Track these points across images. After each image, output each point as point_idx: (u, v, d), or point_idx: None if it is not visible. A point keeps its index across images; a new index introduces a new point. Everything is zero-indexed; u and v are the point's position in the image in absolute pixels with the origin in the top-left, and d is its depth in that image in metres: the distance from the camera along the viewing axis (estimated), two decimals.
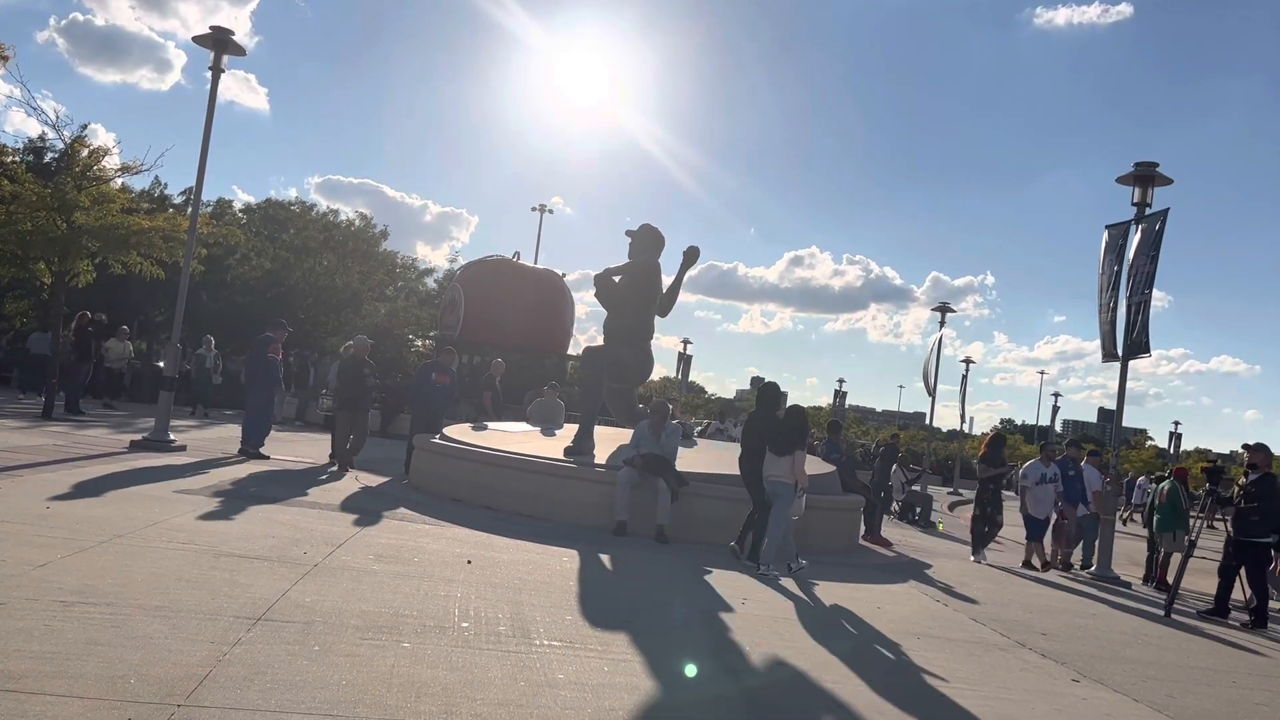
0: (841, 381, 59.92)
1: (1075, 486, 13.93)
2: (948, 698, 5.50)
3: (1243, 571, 10.48)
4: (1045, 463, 13.87)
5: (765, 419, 10.12)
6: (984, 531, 13.64)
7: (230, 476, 11.24)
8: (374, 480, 12.68)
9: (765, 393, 10.63)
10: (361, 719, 3.89)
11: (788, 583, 8.84)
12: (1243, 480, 10.66)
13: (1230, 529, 10.56)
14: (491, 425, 14.77)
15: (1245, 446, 11.20)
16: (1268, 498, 10.13)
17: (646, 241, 12.90)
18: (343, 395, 14.06)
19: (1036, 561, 13.45)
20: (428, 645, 5.04)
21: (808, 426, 10.38)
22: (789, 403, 13.89)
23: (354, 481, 12.32)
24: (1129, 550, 16.90)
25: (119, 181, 18.99)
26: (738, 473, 11.90)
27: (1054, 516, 13.83)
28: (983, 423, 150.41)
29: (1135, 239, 14.02)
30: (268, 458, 13.64)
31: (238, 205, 42.74)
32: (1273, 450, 10.94)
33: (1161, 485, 13.61)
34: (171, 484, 9.99)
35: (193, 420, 19.87)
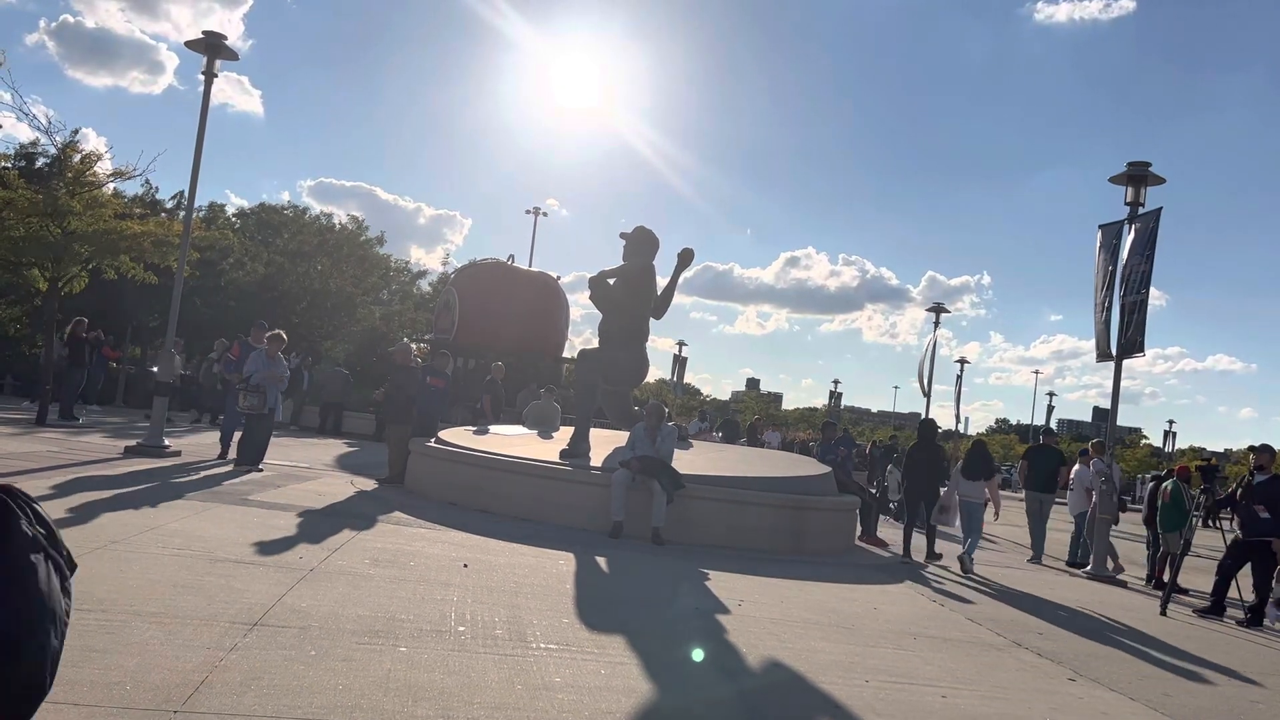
0: (837, 382, 60.22)
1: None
2: (945, 698, 5.51)
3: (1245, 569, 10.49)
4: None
5: (928, 447, 13.00)
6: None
7: (225, 481, 11.21)
8: (369, 484, 12.67)
9: (926, 427, 13.68)
10: None
11: (786, 584, 8.85)
12: (1247, 480, 10.65)
13: (1236, 529, 10.57)
14: (491, 428, 14.76)
15: (1251, 448, 11.18)
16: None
17: (641, 244, 12.90)
18: (388, 407, 13.87)
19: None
20: (424, 649, 5.04)
21: (992, 456, 13.18)
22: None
23: (349, 486, 12.30)
24: (1126, 550, 16.93)
25: (111, 187, 18.96)
26: (733, 474, 11.92)
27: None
28: (978, 422, 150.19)
29: (1129, 239, 14.06)
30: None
31: (231, 210, 42.69)
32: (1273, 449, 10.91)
33: (1165, 485, 13.63)
34: (167, 489, 9.96)
35: (192, 426, 19.81)
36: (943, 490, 12.89)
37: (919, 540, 12.65)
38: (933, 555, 12.39)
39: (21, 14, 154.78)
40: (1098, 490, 13.98)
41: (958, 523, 12.85)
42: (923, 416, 24.20)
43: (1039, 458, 15.18)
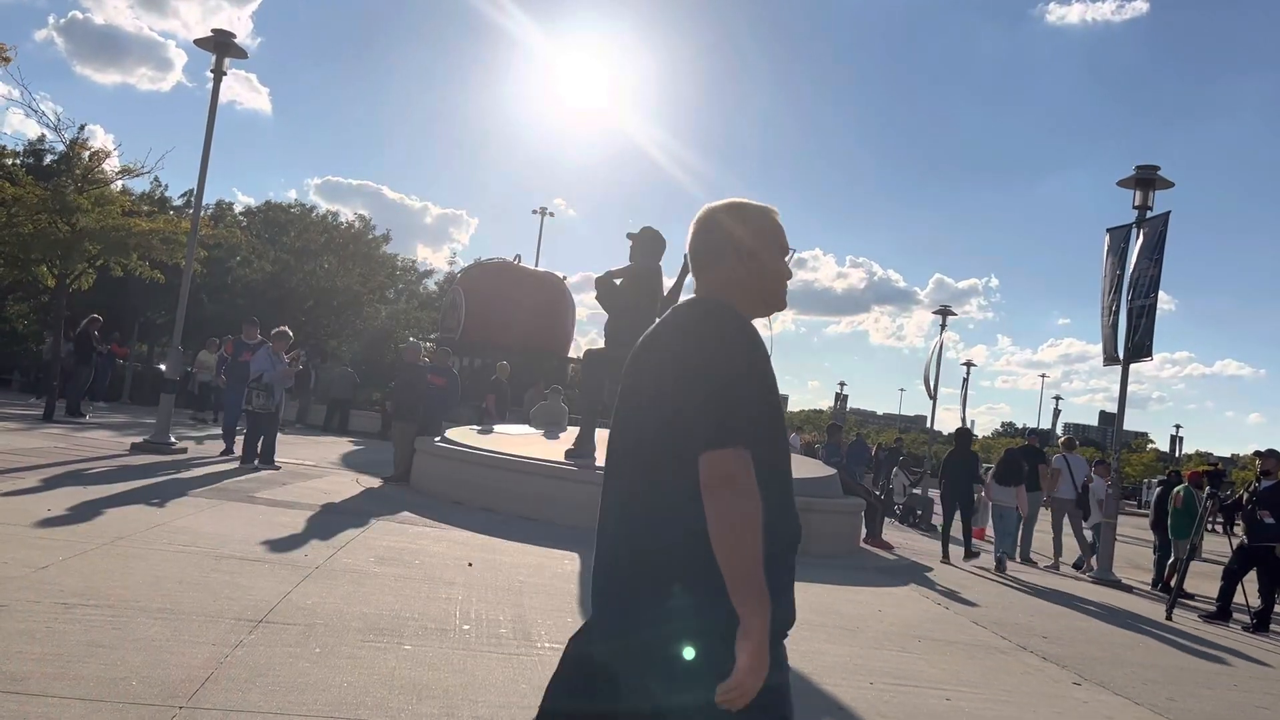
0: (843, 384, 60.18)
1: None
2: (949, 701, 5.50)
3: (1249, 574, 10.46)
4: None
5: (964, 453, 13.97)
6: None
7: (231, 479, 11.24)
8: (374, 482, 12.68)
9: (962, 434, 14.90)
10: None
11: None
12: (1255, 485, 10.61)
13: (1244, 534, 10.53)
14: (496, 427, 14.78)
15: (1257, 453, 11.15)
16: None
17: (648, 244, 12.87)
18: (395, 404, 13.95)
19: None
20: (429, 647, 5.04)
21: (1023, 465, 13.98)
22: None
23: (354, 484, 12.32)
24: (1131, 554, 16.89)
25: (119, 184, 19.02)
26: None
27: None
28: (984, 426, 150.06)
29: (1137, 243, 14.02)
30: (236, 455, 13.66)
31: (238, 208, 42.76)
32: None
33: (1177, 490, 13.59)
34: (172, 486, 9.99)
35: (214, 426, 19.87)
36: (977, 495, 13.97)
37: (954, 540, 13.48)
38: (970, 554, 13.25)
39: (30, 10, 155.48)
40: (1104, 495, 13.97)
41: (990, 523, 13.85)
42: (928, 419, 24.25)
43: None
